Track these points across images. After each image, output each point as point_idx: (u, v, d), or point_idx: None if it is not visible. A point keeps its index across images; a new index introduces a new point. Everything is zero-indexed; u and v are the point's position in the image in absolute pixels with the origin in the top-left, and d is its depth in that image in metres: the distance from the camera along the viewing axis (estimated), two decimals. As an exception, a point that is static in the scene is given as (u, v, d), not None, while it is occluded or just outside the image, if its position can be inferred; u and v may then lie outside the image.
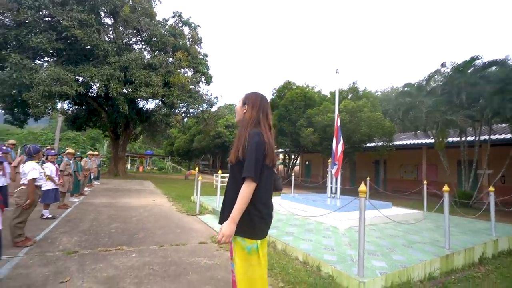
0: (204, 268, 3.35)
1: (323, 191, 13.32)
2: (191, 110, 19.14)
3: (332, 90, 17.42)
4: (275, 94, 18.57)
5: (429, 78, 11.65)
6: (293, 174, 13.19)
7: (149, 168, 33.08)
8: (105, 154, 29.43)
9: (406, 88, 12.51)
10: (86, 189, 9.78)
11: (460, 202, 9.08)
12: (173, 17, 19.28)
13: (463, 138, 11.05)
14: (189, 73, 18.95)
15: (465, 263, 4.00)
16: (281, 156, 23.69)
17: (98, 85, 14.13)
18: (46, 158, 5.78)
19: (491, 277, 3.61)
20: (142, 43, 18.06)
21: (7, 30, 12.17)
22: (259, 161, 1.56)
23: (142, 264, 3.37)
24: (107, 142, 29.97)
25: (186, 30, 19.33)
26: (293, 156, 21.02)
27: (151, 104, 19.39)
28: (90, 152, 11.16)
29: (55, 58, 14.86)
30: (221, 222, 1.68)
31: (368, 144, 14.98)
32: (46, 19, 13.40)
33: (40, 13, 13.01)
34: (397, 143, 15.18)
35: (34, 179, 3.96)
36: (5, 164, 5.35)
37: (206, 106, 19.28)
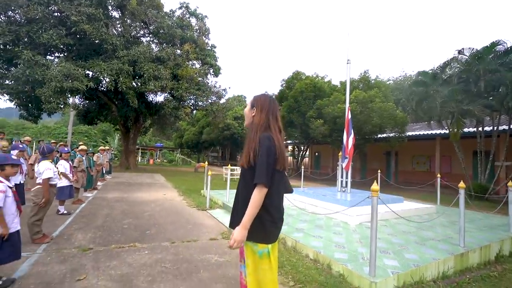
0: (215, 266, 3.39)
1: (333, 183, 13.24)
2: (200, 103, 19.19)
3: (343, 79, 17.05)
4: (284, 85, 18.31)
5: (445, 65, 11.14)
6: (302, 166, 13.13)
7: (159, 160, 33.65)
8: (116, 147, 30.04)
9: (420, 77, 12.06)
10: (98, 183, 10.03)
11: (475, 195, 8.83)
12: (180, 8, 19.15)
13: (480, 128, 10.65)
14: (197, 65, 18.90)
15: (480, 261, 3.90)
16: (290, 147, 23.58)
17: (107, 79, 14.29)
18: (60, 156, 5.92)
19: (508, 276, 3.50)
20: (150, 35, 18.05)
21: (19, 27, 12.34)
22: (270, 166, 1.55)
23: (155, 261, 3.44)
24: (118, 135, 30.52)
25: (193, 21, 19.20)
26: (302, 148, 20.87)
27: (160, 97, 19.53)
28: (102, 147, 11.39)
29: (65, 54, 15.06)
30: (231, 225, 1.70)
31: (379, 135, 14.69)
32: (56, 14, 13.50)
33: (50, 8, 13.12)
34: (409, 133, 14.78)
35: (49, 179, 4.07)
36: (22, 160, 5.53)
37: (214, 98, 19.24)
